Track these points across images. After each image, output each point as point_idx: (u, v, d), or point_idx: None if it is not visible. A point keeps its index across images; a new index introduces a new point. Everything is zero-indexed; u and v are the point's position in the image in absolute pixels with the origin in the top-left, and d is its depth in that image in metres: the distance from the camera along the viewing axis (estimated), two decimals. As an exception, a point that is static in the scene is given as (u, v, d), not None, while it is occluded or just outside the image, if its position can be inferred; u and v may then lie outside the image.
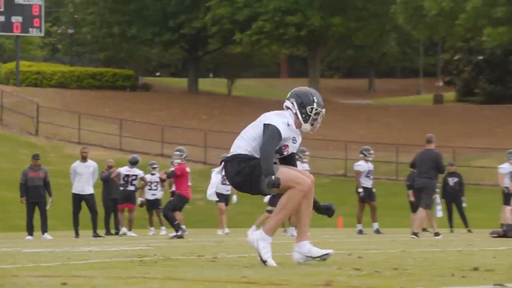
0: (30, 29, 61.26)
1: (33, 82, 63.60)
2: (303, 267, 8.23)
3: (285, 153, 8.88)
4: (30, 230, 23.96)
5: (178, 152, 22.29)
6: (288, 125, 8.71)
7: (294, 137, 8.83)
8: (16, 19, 59.92)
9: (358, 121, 56.03)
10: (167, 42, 69.81)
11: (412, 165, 22.69)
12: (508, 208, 21.97)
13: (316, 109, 8.80)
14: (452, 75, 71.39)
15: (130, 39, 68.88)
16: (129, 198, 26.58)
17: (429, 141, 21.43)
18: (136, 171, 26.58)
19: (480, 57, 66.14)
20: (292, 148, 8.87)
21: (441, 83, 74.23)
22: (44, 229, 23.80)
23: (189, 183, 22.13)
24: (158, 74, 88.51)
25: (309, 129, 8.87)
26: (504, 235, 20.33)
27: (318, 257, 8.63)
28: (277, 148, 8.70)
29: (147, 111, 57.32)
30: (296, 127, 8.80)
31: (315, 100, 8.83)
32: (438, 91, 70.36)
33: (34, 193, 23.89)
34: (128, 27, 66.85)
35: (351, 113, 59.43)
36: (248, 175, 8.75)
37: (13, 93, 55.71)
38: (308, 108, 8.79)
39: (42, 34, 67.44)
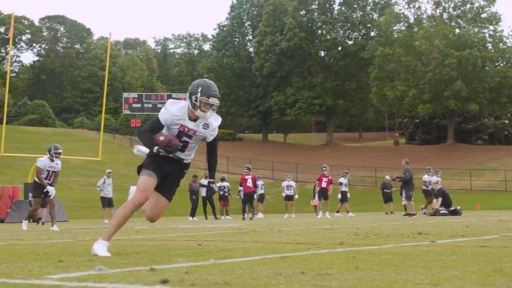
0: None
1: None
2: (326, 234, 8.16)
3: (188, 133, 5.45)
4: (193, 215, 23.25)
5: (246, 170, 21.52)
6: (166, 109, 5.45)
7: (183, 120, 5.43)
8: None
9: (354, 155, 55.51)
10: (251, 115, 70.07)
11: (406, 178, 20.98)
12: (434, 200, 21.72)
13: (200, 98, 5.29)
14: (403, 129, 70.34)
15: (232, 114, 69.15)
16: (223, 198, 25.38)
17: (407, 163, 21.27)
18: (225, 183, 25.39)
19: (417, 120, 65.40)
20: (195, 128, 5.45)
21: (397, 134, 73.36)
22: (192, 215, 23.50)
23: (249, 184, 20.75)
24: (246, 132, 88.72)
25: (202, 115, 5.34)
26: (433, 214, 20.15)
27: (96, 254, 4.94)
28: (168, 128, 5.47)
29: (241, 152, 57.37)
30: (192, 113, 5.39)
31: (200, 90, 5.29)
32: (395, 139, 69.64)
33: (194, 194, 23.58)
34: (230, 107, 67.28)
35: (350, 151, 58.97)
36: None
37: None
38: (193, 97, 5.28)
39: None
